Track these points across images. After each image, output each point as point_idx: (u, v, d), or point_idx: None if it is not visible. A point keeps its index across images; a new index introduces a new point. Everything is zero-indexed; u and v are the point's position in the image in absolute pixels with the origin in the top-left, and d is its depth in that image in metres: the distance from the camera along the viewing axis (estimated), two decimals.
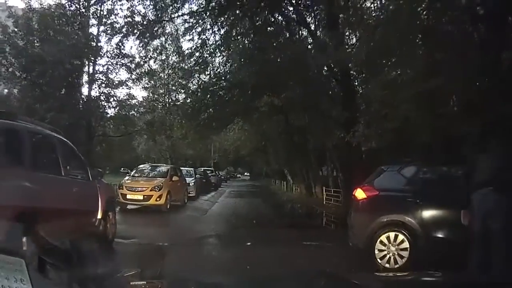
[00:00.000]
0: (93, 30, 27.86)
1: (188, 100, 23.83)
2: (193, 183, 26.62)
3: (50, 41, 24.27)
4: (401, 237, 8.02)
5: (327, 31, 19.69)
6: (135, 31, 22.36)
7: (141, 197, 17.70)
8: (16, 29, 24.48)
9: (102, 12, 26.62)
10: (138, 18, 23.46)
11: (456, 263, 6.60)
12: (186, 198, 22.66)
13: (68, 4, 25.96)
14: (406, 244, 7.97)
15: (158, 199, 18.01)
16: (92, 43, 26.97)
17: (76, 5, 26.23)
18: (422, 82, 11.09)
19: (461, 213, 6.73)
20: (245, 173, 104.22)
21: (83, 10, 26.63)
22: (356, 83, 17.28)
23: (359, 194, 8.83)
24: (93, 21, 27.38)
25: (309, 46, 20.31)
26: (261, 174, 68.41)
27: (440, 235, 7.77)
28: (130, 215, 16.08)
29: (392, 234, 8.09)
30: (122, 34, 23.57)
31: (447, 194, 7.79)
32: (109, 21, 26.09)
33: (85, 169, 8.97)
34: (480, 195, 6.47)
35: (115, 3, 24.91)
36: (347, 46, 18.53)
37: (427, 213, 7.92)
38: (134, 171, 22.43)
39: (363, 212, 8.87)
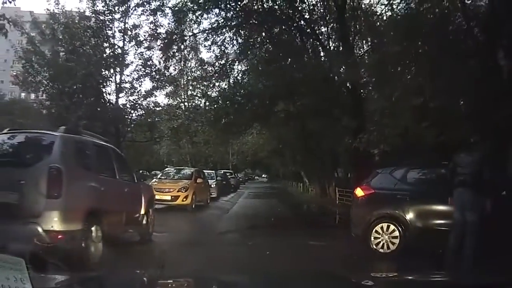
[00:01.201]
0: (117, 40, 28.45)
1: (209, 107, 24.96)
2: (214, 185, 27.90)
3: (76, 51, 25.43)
4: (392, 227, 9.63)
5: (338, 43, 21.29)
6: (158, 43, 24.10)
7: (169, 198, 19.01)
8: (41, 39, 25.52)
9: (127, 25, 27.54)
10: (161, 30, 25.00)
11: (437, 248, 8.17)
12: (209, 199, 24.00)
13: (94, 17, 26.73)
14: (396, 233, 9.57)
15: (184, 199, 19.46)
16: (118, 53, 27.76)
17: (101, 17, 26.91)
18: (414, 96, 12.72)
19: (447, 200, 8.33)
20: (263, 175, 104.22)
21: (108, 22, 27.31)
22: (364, 94, 18.52)
23: (359, 192, 10.60)
24: (117, 32, 28.06)
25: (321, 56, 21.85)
26: (279, 176, 68.79)
27: (424, 226, 9.31)
28: (160, 213, 17.66)
29: (385, 225, 9.71)
30: (146, 46, 25.40)
31: (430, 192, 9.41)
32: (133, 34, 27.18)
33: (131, 173, 10.78)
34: (458, 192, 8.00)
35: (140, 16, 26.19)
36: (356, 55, 20.12)
37: (414, 208, 9.47)
38: (160, 174, 24.04)
39: (361, 207, 10.60)
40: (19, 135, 8.21)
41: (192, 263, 8.07)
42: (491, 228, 7.83)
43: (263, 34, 22.79)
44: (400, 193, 9.86)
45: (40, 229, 6.64)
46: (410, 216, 9.50)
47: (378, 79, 15.14)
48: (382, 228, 9.75)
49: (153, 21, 25.52)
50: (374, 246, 9.70)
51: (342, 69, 15.93)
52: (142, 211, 10.69)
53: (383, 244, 9.68)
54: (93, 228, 7.47)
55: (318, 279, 3.72)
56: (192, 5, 21.03)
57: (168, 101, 35.51)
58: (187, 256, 9.10)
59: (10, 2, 11.81)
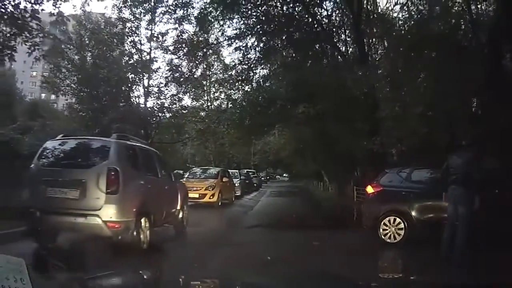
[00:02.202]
0: (144, 46, 29.15)
1: (233, 110, 25.78)
2: (238, 184, 29.22)
3: (103, 56, 26.32)
4: (398, 220, 10.95)
5: (355, 50, 22.27)
6: (184, 49, 25.30)
7: (197, 195, 20.20)
8: (69, 45, 25.96)
9: (153, 32, 28.17)
10: (186, 36, 26.06)
11: (436, 239, 9.40)
12: (234, 197, 25.44)
13: (121, 24, 27.53)
14: (402, 225, 10.90)
15: (211, 197, 20.89)
16: (146, 59, 28.52)
17: (128, 24, 27.77)
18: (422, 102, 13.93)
19: (442, 197, 9.42)
20: (284, 174, 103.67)
21: (135, 29, 28.12)
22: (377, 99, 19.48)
23: (369, 189, 12.06)
24: (143, 37, 28.62)
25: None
26: (300, 176, 69.07)
27: (426, 219, 10.62)
28: (189, 210, 18.99)
29: (392, 218, 11.03)
30: (172, 52, 26.49)
31: (431, 189, 10.58)
32: (160, 41, 27.96)
33: (169, 172, 12.25)
34: (452, 189, 9.15)
35: (166, 23, 27.36)
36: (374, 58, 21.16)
37: (417, 203, 10.81)
38: (187, 173, 25.40)
39: (371, 203, 12.04)
40: (75, 140, 9.75)
41: (222, 255, 9.47)
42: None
43: (284, 38, 23.32)
44: (405, 190, 11.23)
45: (100, 220, 8.13)
46: (413, 210, 10.83)
47: (388, 89, 16.40)
48: (389, 221, 11.07)
49: (178, 28, 26.35)
50: (383, 237, 11.03)
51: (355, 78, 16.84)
52: (178, 207, 12.17)
53: (390, 235, 11.00)
54: (142, 220, 8.95)
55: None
56: (215, 13, 21.89)
57: (192, 102, 36.33)
58: (218, 247, 10.47)
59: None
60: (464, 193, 8.92)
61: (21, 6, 11.65)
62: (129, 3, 27.09)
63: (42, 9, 12.35)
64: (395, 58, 16.94)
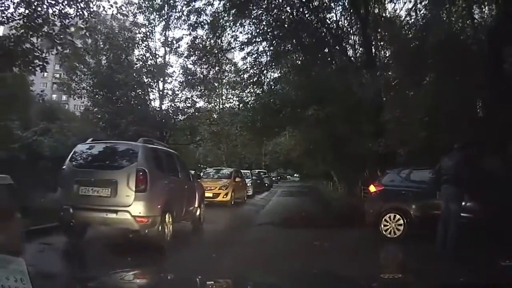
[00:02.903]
0: (159, 51, 30.77)
1: (245, 113, 26.41)
2: (250, 184, 30.11)
3: (118, 60, 27.20)
4: (398, 217, 11.94)
5: (362, 55, 23.07)
6: (198, 54, 26.10)
7: (211, 195, 20.83)
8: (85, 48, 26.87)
9: (167, 37, 29.74)
10: (199, 41, 26.37)
11: (433, 234, 10.29)
12: (246, 196, 26.39)
13: (135, 29, 28.61)
14: (401, 222, 11.88)
15: (225, 196, 21.85)
16: (160, 63, 30.03)
17: (143, 29, 28.97)
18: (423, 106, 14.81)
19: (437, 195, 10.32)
20: (295, 175, 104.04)
21: (149, 33, 29.30)
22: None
23: (372, 188, 13.11)
24: (158, 42, 30.14)
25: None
26: (310, 176, 69.30)
27: (423, 216, 11.54)
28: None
29: (392, 215, 12.02)
30: (186, 56, 27.57)
31: (427, 189, 11.39)
32: (174, 46, 29.36)
33: (188, 173, 13.32)
34: (444, 188, 10.06)
35: (180, 28, 28.48)
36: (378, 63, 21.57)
37: (415, 201, 11.79)
38: (201, 173, 26.35)
39: (373, 201, 13.06)
40: (103, 144, 10.93)
41: (235, 249, 10.42)
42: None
43: (294, 42, 24.16)
44: (404, 189, 12.27)
45: (129, 216, 9.21)
46: (412, 208, 11.82)
47: (392, 93, 17.30)
48: (390, 217, 12.07)
49: (191, 33, 26.61)
50: (384, 232, 12.03)
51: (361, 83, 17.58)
52: (196, 205, 13.25)
53: (391, 230, 11.99)
54: (166, 215, 10.04)
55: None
56: (227, 18, 22.95)
57: (204, 104, 36.67)
58: (232, 242, 11.47)
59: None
60: (455, 192, 9.82)
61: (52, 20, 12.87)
62: (144, 9, 28.21)
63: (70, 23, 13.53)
64: (400, 62, 17.58)
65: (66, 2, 12.69)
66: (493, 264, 7.36)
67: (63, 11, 12.78)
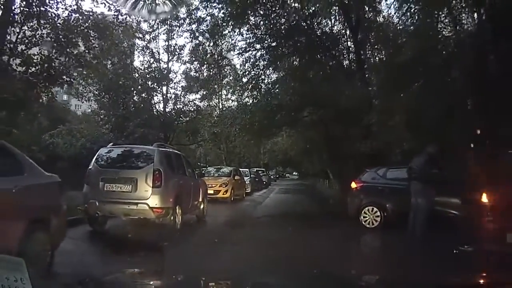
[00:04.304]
0: (162, 56, 32.09)
1: (243, 116, 26.80)
2: (248, 182, 31.74)
3: (123, 65, 28.68)
4: (375, 209, 13.85)
5: (354, 62, 24.31)
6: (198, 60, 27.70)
7: (212, 192, 22.09)
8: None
9: (170, 44, 31.43)
10: (200, 47, 28.09)
11: (405, 224, 11.80)
12: (244, 193, 28.06)
13: (141, 36, 29.40)
14: (378, 214, 13.79)
15: (225, 193, 23.55)
16: (164, 68, 31.70)
17: (147, 36, 30.31)
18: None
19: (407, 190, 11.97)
20: (294, 173, 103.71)
21: (152, 40, 30.95)
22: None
23: (353, 184, 15.06)
24: (161, 48, 31.72)
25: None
26: (309, 174, 69.62)
27: (397, 208, 13.32)
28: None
29: (370, 208, 13.97)
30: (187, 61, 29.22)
31: (401, 185, 13.06)
32: (177, 53, 31.13)
33: (193, 171, 15.22)
34: (413, 184, 11.79)
35: (181, 37, 30.10)
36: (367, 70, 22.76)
37: (390, 196, 13.65)
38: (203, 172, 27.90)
39: (355, 195, 14.94)
40: (123, 148, 12.86)
41: (234, 235, 12.41)
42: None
43: (289, 45, 24.70)
44: (381, 185, 14.18)
45: (147, 207, 11.12)
46: (387, 202, 13.69)
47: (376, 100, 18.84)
48: (368, 210, 13.99)
49: (192, 41, 28.29)
50: (363, 223, 13.94)
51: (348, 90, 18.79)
52: (200, 199, 15.14)
53: (369, 221, 13.90)
54: (177, 207, 11.97)
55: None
56: (226, 26, 23.73)
57: (205, 105, 37.95)
58: (232, 230, 13.59)
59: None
60: (422, 187, 11.52)
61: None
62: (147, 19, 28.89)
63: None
64: (387, 71, 19.00)
65: (90, 26, 14.64)
66: (453, 249, 9.31)
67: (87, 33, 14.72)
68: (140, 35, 29.19)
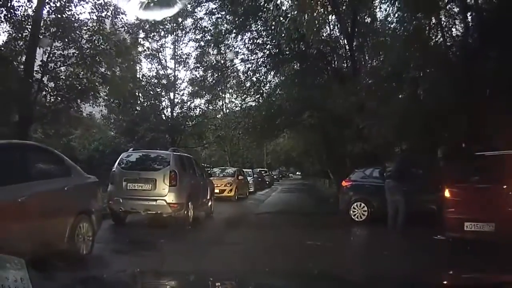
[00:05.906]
0: (169, 63, 33.63)
1: (246, 118, 28.03)
2: (251, 181, 33.31)
3: (131, 70, 29.14)
4: (363, 205, 15.57)
5: (349, 70, 25.34)
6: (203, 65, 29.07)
7: (217, 191, 23.04)
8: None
9: (176, 52, 33.05)
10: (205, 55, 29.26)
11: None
12: (248, 192, 29.70)
13: (150, 42, 31.06)
14: (365, 209, 15.51)
15: (229, 192, 25.14)
16: (171, 75, 33.35)
17: (154, 44, 31.86)
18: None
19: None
20: (297, 173, 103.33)
21: (159, 47, 32.49)
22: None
23: (343, 183, 16.83)
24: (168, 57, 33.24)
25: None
26: (311, 174, 69.25)
27: (381, 204, 14.53)
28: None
29: (359, 204, 15.65)
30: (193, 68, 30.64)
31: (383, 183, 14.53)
32: (183, 60, 32.72)
33: (202, 171, 17.10)
34: (388, 182, 13.43)
35: (187, 45, 31.73)
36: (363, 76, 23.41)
37: (375, 193, 15.12)
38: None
39: (345, 192, 16.68)
40: (142, 152, 14.76)
41: (239, 228, 14.30)
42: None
43: (289, 51, 25.15)
44: (368, 183, 15.93)
45: (165, 203, 13.03)
46: (373, 198, 15.30)
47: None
48: (357, 205, 15.67)
49: (197, 50, 29.17)
50: (352, 217, 15.64)
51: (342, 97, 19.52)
52: (208, 197, 17.02)
53: (358, 215, 15.61)
54: (189, 203, 13.85)
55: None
56: (229, 35, 25.25)
57: (210, 109, 38.61)
58: (236, 223, 15.46)
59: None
60: (395, 185, 13.10)
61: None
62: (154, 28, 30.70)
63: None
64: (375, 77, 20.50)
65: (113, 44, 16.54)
66: (428, 238, 11.25)
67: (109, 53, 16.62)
68: (148, 50, 30.74)
